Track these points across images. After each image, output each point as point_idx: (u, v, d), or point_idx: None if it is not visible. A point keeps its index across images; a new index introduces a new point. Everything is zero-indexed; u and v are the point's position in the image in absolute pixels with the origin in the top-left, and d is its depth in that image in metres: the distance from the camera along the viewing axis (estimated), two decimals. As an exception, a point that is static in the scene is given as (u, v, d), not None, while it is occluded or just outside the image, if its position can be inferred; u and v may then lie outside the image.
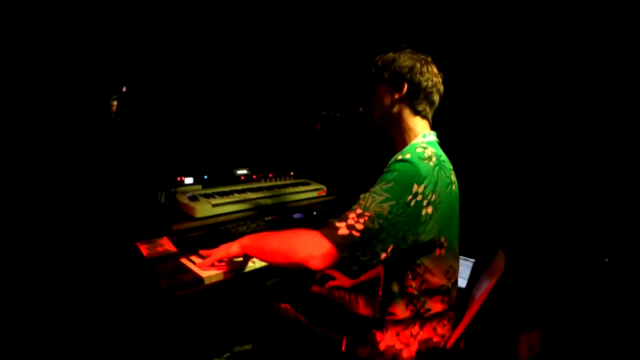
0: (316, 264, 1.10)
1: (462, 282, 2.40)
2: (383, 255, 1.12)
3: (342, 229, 1.09)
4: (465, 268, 2.45)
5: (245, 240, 1.35)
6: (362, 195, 1.16)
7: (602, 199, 2.10)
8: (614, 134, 2.04)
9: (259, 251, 1.29)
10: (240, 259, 1.46)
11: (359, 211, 1.11)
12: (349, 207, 1.15)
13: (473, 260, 2.45)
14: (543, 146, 2.27)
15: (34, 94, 1.58)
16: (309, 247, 1.11)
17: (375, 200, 1.11)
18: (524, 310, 2.15)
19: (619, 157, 2.04)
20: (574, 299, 2.07)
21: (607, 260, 2.03)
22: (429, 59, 1.39)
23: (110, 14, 1.80)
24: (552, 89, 2.21)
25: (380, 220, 1.09)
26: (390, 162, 1.23)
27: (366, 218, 1.09)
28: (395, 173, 1.15)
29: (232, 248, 1.36)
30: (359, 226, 1.08)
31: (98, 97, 1.68)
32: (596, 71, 2.05)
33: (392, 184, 1.13)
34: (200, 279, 1.35)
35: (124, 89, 1.67)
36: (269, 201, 2.18)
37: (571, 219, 2.19)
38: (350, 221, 1.10)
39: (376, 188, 1.15)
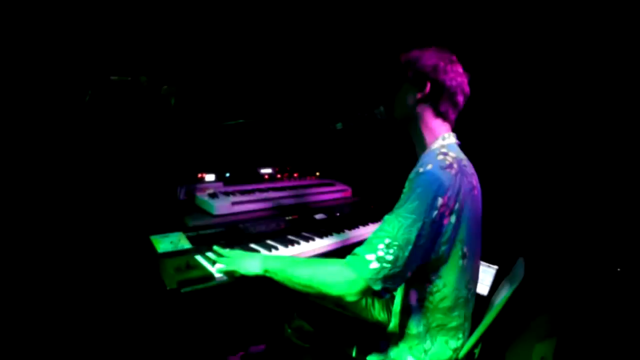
0: (351, 298, 1.09)
1: (484, 290, 2.36)
2: (409, 274, 1.11)
3: (373, 263, 1.06)
4: (487, 275, 2.39)
5: (269, 264, 1.27)
6: (386, 218, 1.12)
7: (622, 207, 2.03)
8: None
9: (285, 280, 1.22)
10: None
11: (387, 241, 1.07)
12: (374, 210, 1.11)
13: (496, 267, 2.38)
14: (568, 154, 2.20)
15: (54, 86, 1.63)
16: (343, 286, 1.09)
17: (402, 226, 1.07)
18: (540, 318, 2.08)
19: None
20: (590, 308, 2.00)
21: (619, 269, 1.98)
22: (454, 58, 1.34)
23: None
24: (576, 96, 2.14)
25: (410, 247, 1.06)
26: (411, 175, 1.18)
27: (395, 247, 1.06)
28: (419, 190, 1.10)
29: (252, 267, 1.28)
30: (389, 257, 1.06)
31: (122, 92, 1.71)
32: (625, 77, 1.96)
33: (416, 202, 1.09)
34: (211, 276, 1.34)
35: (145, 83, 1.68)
36: (291, 201, 2.15)
37: (594, 226, 2.12)
38: (380, 253, 1.06)
39: (401, 210, 1.10)
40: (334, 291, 1.10)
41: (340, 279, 1.09)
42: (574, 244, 2.15)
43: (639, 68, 1.93)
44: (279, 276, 1.24)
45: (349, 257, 1.12)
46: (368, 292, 1.08)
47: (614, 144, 2.04)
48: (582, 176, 2.14)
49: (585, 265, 2.09)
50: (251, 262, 1.30)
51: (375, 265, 1.06)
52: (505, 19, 2.28)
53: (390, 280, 1.07)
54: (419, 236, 1.07)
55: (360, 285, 1.07)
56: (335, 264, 1.14)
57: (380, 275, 1.05)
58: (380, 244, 1.07)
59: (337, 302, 1.22)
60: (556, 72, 2.18)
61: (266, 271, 1.26)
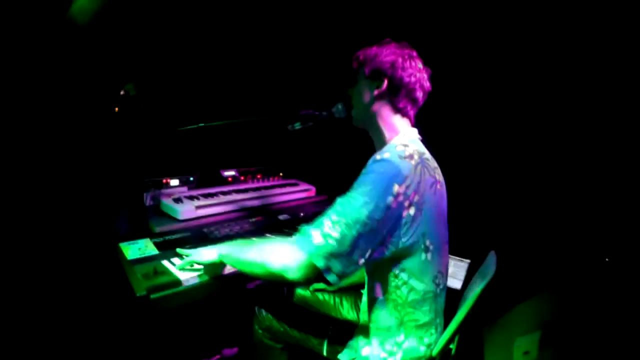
0: (293, 275, 1.07)
1: (457, 284, 2.37)
2: (361, 261, 1.07)
3: (317, 238, 1.04)
4: (460, 269, 2.40)
5: (223, 249, 1.35)
6: (338, 200, 1.10)
7: (596, 199, 2.07)
8: (607, 132, 2.02)
9: (236, 262, 1.28)
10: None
11: (334, 217, 1.05)
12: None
13: (469, 261, 2.40)
14: (538, 145, 2.23)
15: (16, 93, 1.60)
16: (284, 258, 1.08)
17: (352, 206, 1.05)
18: (519, 312, 2.11)
19: (615, 156, 2.01)
20: (570, 301, 2.02)
21: (607, 260, 1.97)
22: (414, 53, 1.33)
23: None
24: (544, 86, 2.18)
25: (358, 226, 1.03)
26: (368, 162, 1.16)
27: (342, 225, 1.03)
28: (374, 174, 1.09)
29: (209, 255, 1.37)
30: (335, 234, 1.03)
31: (86, 98, 1.70)
32: (587, 69, 2.03)
33: (370, 186, 1.06)
34: (178, 281, 1.37)
35: (122, 93, 1.69)
36: (255, 202, 2.20)
37: (566, 219, 2.15)
38: (326, 229, 1.05)
39: (353, 192, 1.08)
40: (275, 266, 1.09)
41: (283, 254, 1.09)
42: (545, 237, 2.17)
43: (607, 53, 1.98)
44: (232, 259, 1.29)
45: (296, 234, 1.12)
46: (310, 269, 1.05)
47: (585, 134, 2.04)
48: (554, 167, 2.15)
49: (561, 257, 2.11)
50: (208, 251, 1.38)
51: (319, 240, 1.04)
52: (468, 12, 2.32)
53: (336, 260, 1.04)
54: (370, 218, 1.03)
55: (300, 258, 1.05)
56: (280, 242, 1.17)
57: (323, 251, 1.03)
58: (327, 220, 1.06)
59: (283, 282, 1.16)
60: (522, 60, 2.20)
61: (221, 256, 1.33)
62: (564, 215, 2.17)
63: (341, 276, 1.07)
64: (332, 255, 1.04)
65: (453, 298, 1.37)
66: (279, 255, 1.10)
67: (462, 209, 1.39)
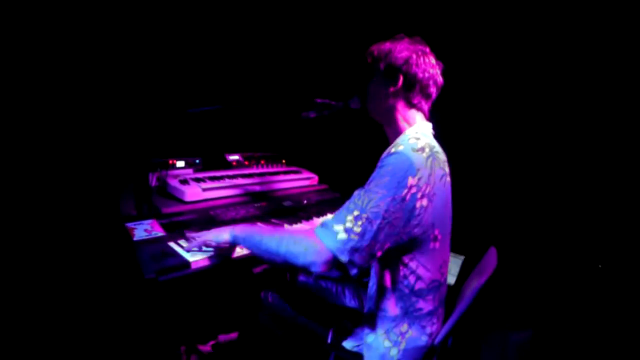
0: (317, 269, 1.09)
1: (451, 279, 2.39)
2: (379, 254, 1.11)
3: (341, 234, 1.07)
4: (454, 265, 2.43)
5: (239, 231, 1.33)
6: (356, 193, 1.14)
7: (594, 197, 2.10)
8: (606, 133, 2.05)
9: (253, 247, 1.27)
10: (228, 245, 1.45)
11: (356, 213, 1.08)
12: (342, 198, 1.12)
13: (463, 257, 2.44)
14: (539, 143, 2.26)
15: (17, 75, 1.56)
16: (309, 254, 1.09)
17: (371, 199, 1.08)
18: (515, 309, 2.14)
19: (615, 157, 2.04)
20: (565, 299, 2.06)
21: (600, 266, 2.03)
22: (427, 49, 1.34)
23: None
24: (549, 86, 2.20)
25: (378, 221, 1.06)
26: (383, 155, 1.19)
27: (364, 220, 1.07)
28: (390, 167, 1.11)
29: (223, 235, 1.35)
30: (357, 229, 1.06)
31: (91, 79, 1.66)
32: (588, 71, 2.07)
33: (387, 179, 1.10)
34: (187, 263, 1.36)
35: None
36: (260, 188, 2.19)
37: (564, 217, 2.19)
38: (348, 224, 1.08)
39: (371, 185, 1.11)
40: (299, 260, 1.11)
41: (307, 248, 1.10)
42: (545, 234, 2.21)
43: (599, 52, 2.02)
44: (247, 242, 1.29)
45: (317, 227, 1.13)
46: (334, 263, 1.08)
47: (585, 133, 2.10)
48: (552, 165, 2.21)
49: (559, 256, 2.15)
50: (221, 232, 1.37)
51: (342, 235, 1.07)
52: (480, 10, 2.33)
53: (357, 254, 1.07)
54: (388, 212, 1.07)
55: (326, 255, 1.08)
56: (303, 234, 1.16)
57: (348, 247, 1.06)
58: (349, 215, 1.09)
59: (303, 273, 1.18)
60: (526, 63, 2.24)
61: (235, 237, 1.33)
62: (561, 213, 2.20)
63: (362, 269, 1.10)
64: (355, 250, 1.07)
65: (447, 293, 1.39)
66: (303, 250, 1.11)
67: (459, 205, 1.40)
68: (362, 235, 1.06)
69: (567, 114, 2.16)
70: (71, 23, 1.67)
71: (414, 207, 1.11)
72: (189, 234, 1.47)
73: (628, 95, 1.99)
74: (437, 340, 1.26)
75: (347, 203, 1.13)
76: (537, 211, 2.29)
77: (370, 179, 1.14)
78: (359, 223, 1.07)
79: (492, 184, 2.43)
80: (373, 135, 1.51)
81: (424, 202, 1.13)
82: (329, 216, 2.19)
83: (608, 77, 2.03)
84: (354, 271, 1.09)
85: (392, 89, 1.32)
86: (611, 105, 2.04)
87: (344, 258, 1.07)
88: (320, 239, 1.10)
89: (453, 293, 1.48)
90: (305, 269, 1.11)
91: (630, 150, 2.00)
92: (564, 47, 2.12)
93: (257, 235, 1.27)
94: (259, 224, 1.89)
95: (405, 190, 1.08)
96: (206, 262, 1.40)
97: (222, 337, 2.17)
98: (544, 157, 2.25)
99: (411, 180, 1.09)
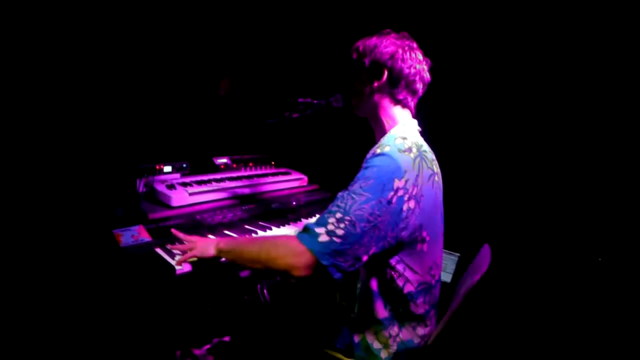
0: (299, 273, 1.06)
1: (447, 277, 2.39)
2: (365, 258, 1.08)
3: (323, 236, 1.04)
4: (450, 263, 2.43)
5: (223, 244, 1.32)
6: (339, 195, 1.10)
7: (588, 194, 2.10)
8: (600, 130, 2.06)
9: (237, 257, 1.26)
10: None
11: (338, 215, 1.05)
12: (331, 199, 1.11)
13: (458, 254, 2.43)
14: (533, 140, 2.26)
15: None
16: (289, 257, 1.07)
17: (355, 202, 1.05)
18: (510, 307, 2.14)
19: (611, 154, 2.04)
20: (562, 297, 2.06)
21: (600, 259, 2.02)
22: (415, 44, 1.32)
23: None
24: (540, 82, 2.21)
25: (362, 224, 1.03)
26: (368, 156, 1.17)
27: (347, 222, 1.03)
28: (375, 169, 1.09)
29: (209, 250, 1.34)
30: (340, 232, 1.03)
31: (78, 83, 1.67)
32: (585, 67, 2.07)
33: (371, 181, 1.07)
34: (172, 269, 1.38)
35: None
36: (248, 190, 2.20)
37: (560, 215, 2.18)
38: (330, 226, 1.04)
39: (355, 187, 1.09)
40: (280, 264, 1.09)
41: (288, 252, 1.08)
42: (537, 232, 2.22)
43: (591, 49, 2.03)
44: (230, 254, 1.28)
45: (299, 231, 1.11)
46: (316, 267, 1.05)
47: (579, 129, 2.10)
48: (549, 163, 2.20)
49: (554, 253, 2.15)
50: (207, 248, 1.34)
51: (324, 238, 1.03)
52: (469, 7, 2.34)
53: (340, 258, 1.04)
54: (373, 215, 1.04)
55: (306, 257, 1.04)
56: (284, 238, 1.15)
57: (329, 250, 1.03)
58: (332, 218, 1.05)
59: (284, 278, 1.16)
60: (517, 58, 2.24)
61: (220, 251, 1.31)
62: (555, 210, 2.20)
63: (346, 273, 1.07)
64: (338, 253, 1.04)
65: (443, 292, 1.39)
66: (283, 254, 1.09)
67: (453, 202, 1.40)
68: (344, 238, 1.03)
69: (559, 111, 2.16)
70: (51, 27, 1.68)
71: (400, 210, 1.09)
72: (174, 249, 1.44)
73: (617, 85, 1.99)
74: (429, 342, 1.24)
75: (330, 206, 1.11)
76: (531, 207, 2.28)
77: (354, 180, 1.12)
78: (342, 226, 1.04)
79: (488, 181, 2.42)
80: (363, 131, 1.49)
81: (411, 204, 1.11)
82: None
83: (599, 68, 2.02)
84: (337, 275, 1.06)
85: (376, 84, 1.30)
86: (601, 98, 2.04)
87: (326, 261, 1.04)
88: (301, 241, 1.07)
89: (449, 291, 1.49)
90: (286, 274, 1.08)
91: (623, 145, 2.00)
92: (555, 41, 2.12)
93: (240, 246, 1.28)
94: (245, 226, 1.92)
95: (392, 193, 1.06)
96: (189, 268, 1.41)
97: (216, 341, 2.19)
98: (537, 154, 2.25)
99: (397, 183, 1.07)
